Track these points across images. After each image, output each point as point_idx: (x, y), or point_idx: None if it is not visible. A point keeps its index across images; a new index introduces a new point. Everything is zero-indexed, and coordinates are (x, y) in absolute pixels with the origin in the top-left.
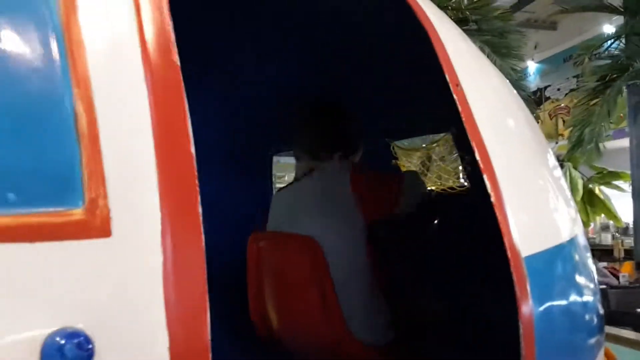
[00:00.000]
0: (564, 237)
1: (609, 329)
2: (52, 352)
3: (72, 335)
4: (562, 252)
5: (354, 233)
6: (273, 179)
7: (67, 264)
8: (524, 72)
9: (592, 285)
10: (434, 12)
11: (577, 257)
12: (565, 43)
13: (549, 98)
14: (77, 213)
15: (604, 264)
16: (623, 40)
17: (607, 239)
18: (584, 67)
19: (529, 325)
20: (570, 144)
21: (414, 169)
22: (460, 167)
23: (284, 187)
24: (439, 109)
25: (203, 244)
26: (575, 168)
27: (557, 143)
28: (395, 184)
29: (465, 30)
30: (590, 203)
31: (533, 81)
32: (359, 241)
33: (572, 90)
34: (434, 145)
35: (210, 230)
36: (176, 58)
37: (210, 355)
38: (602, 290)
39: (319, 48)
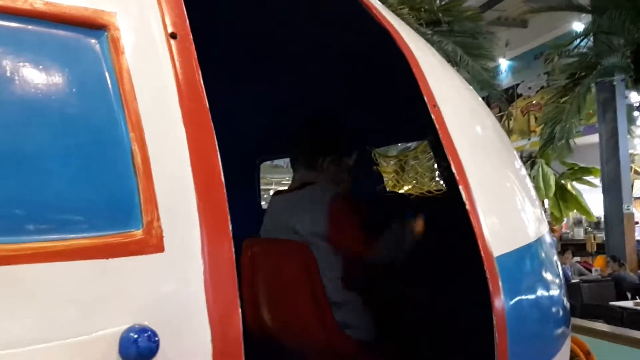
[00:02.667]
0: (532, 237)
1: (583, 322)
2: (129, 344)
3: (143, 330)
4: (530, 251)
5: (327, 253)
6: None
7: (133, 274)
8: (495, 70)
9: (557, 280)
10: (410, 36)
11: (543, 254)
12: (536, 40)
13: (520, 95)
14: (138, 234)
15: (577, 258)
16: (592, 38)
17: (579, 233)
18: (553, 65)
19: (501, 318)
20: (542, 140)
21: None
22: (436, 172)
23: (280, 193)
24: (417, 118)
25: (233, 254)
26: (547, 164)
27: (529, 140)
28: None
29: (437, 32)
30: (562, 198)
31: (505, 78)
32: (333, 259)
33: (543, 87)
34: (412, 151)
35: None
36: (205, 102)
37: (242, 343)
38: (575, 284)
39: (305, 65)
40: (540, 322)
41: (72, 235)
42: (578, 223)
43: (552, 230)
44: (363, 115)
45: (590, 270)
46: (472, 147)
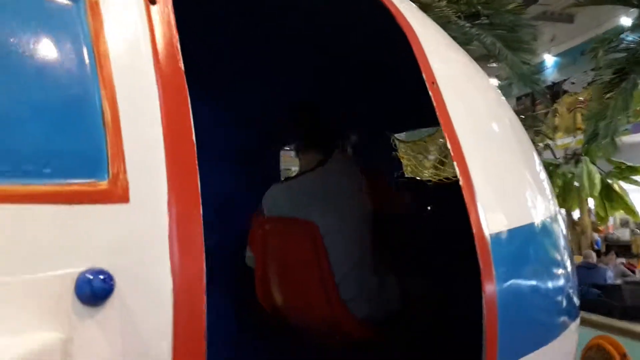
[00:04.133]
0: (535, 218)
1: (621, 323)
2: (83, 283)
3: (99, 272)
4: (531, 231)
5: (358, 220)
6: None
7: (96, 221)
8: (540, 66)
9: (562, 267)
10: (414, 14)
11: (547, 237)
12: (582, 36)
13: (566, 92)
14: (104, 184)
15: (622, 259)
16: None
17: (625, 234)
18: (598, 60)
19: (492, 301)
20: (585, 137)
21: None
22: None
23: (290, 179)
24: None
25: (200, 211)
26: (592, 162)
27: (575, 137)
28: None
29: (476, 25)
30: (608, 198)
31: (550, 75)
32: (363, 227)
33: (589, 83)
34: (432, 136)
35: (223, 220)
36: (181, 65)
37: (205, 298)
38: (616, 285)
39: (317, 55)
40: (536, 309)
41: (38, 181)
42: (625, 224)
43: (596, 230)
44: (381, 100)
45: (634, 272)
46: (472, 125)
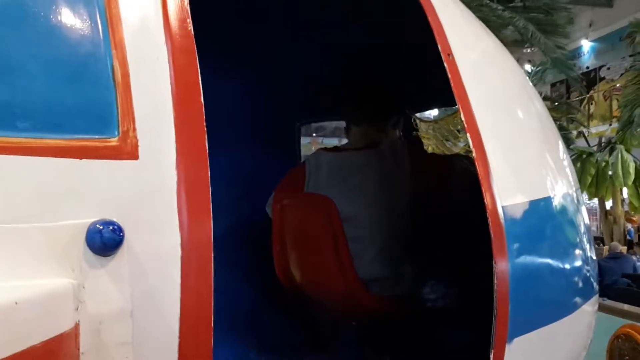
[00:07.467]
0: (551, 192)
1: None
2: (94, 234)
3: (109, 223)
4: (545, 206)
5: (395, 204)
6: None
7: (106, 176)
8: (577, 51)
9: (577, 247)
10: None
11: (563, 216)
12: (622, 21)
13: (603, 78)
14: (114, 141)
15: None
16: None
17: None
18: (635, 45)
19: (504, 275)
20: (619, 125)
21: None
22: None
23: (337, 150)
24: None
25: (208, 168)
26: (628, 151)
27: (610, 125)
28: (445, 166)
29: (510, 8)
30: None
31: (587, 61)
32: (398, 212)
33: (627, 70)
34: (452, 116)
35: (242, 195)
36: (191, 28)
37: (212, 253)
38: None
39: (341, 28)
40: (548, 285)
41: (49, 135)
42: None
43: (629, 221)
44: (401, 78)
45: None
46: (489, 99)
